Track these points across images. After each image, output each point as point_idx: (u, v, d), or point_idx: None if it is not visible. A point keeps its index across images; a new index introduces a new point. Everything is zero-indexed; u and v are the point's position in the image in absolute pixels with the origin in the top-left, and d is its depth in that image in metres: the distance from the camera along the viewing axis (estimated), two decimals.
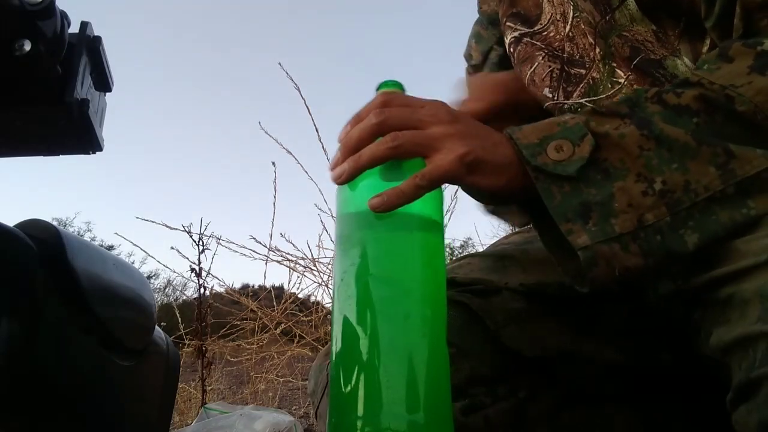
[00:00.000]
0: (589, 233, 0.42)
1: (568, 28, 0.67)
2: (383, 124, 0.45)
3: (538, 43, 0.71)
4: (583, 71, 0.66)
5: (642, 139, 0.44)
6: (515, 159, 0.46)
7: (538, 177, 0.44)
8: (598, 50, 0.63)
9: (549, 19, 0.69)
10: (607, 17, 0.62)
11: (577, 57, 0.66)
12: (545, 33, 0.70)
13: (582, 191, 0.43)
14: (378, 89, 0.51)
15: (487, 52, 0.85)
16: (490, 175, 0.45)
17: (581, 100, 0.66)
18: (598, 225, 0.42)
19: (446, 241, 0.49)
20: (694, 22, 0.57)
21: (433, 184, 0.44)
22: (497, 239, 0.76)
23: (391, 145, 0.44)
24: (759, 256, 0.39)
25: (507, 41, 0.77)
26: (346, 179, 0.46)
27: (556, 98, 0.69)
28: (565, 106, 0.68)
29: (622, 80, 0.62)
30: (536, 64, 0.71)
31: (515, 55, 0.75)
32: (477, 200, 0.48)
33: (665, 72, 0.59)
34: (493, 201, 0.47)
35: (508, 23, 0.76)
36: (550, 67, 0.69)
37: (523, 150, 0.45)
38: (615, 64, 0.62)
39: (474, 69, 0.88)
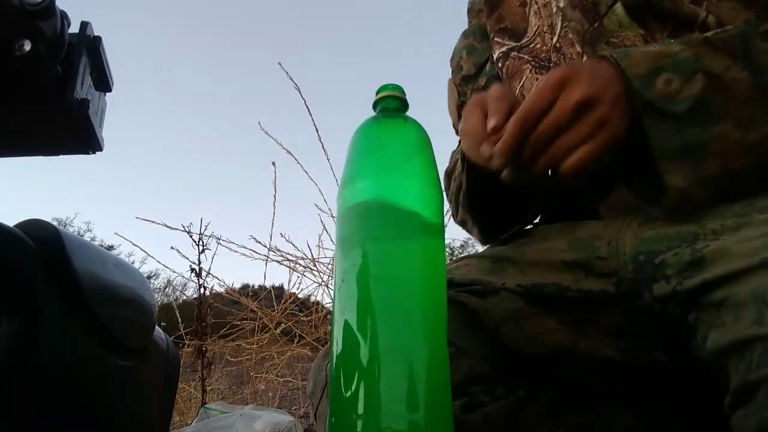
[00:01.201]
0: (683, 175, 0.45)
1: (555, 38, 0.67)
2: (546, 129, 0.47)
3: (525, 56, 0.71)
4: None
5: (752, 87, 0.45)
6: (620, 91, 0.46)
7: (645, 110, 0.45)
8: (585, 59, 0.64)
9: (535, 32, 0.70)
10: (596, 24, 0.62)
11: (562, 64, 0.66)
12: (531, 45, 0.71)
13: (684, 131, 0.45)
14: (378, 92, 0.51)
15: (482, 64, 0.85)
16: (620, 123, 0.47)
17: None
18: (692, 167, 0.45)
19: (446, 241, 0.49)
20: (680, 25, 0.58)
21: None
22: None
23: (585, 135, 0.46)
24: (752, 258, 0.39)
25: (495, 56, 0.78)
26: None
27: None
28: None
29: None
30: (524, 78, 0.72)
31: (503, 70, 0.76)
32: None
33: None
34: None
35: (495, 38, 0.77)
36: (537, 79, 0.70)
37: (634, 81, 0.46)
38: None
39: (464, 80, 0.88)
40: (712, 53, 0.47)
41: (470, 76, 0.86)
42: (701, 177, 0.45)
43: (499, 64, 0.77)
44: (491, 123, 0.50)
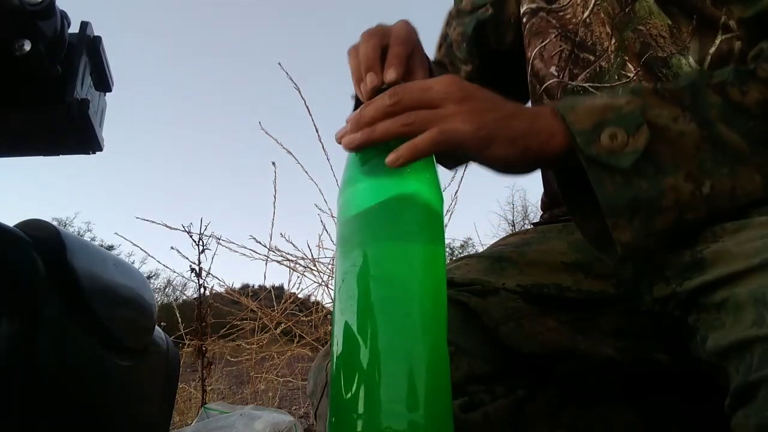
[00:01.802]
0: (633, 230, 0.44)
1: (586, 14, 0.67)
2: (397, 104, 0.46)
3: (553, 21, 0.71)
4: (592, 57, 0.65)
5: (701, 140, 0.44)
6: (527, 131, 0.46)
7: (590, 167, 0.44)
8: (613, 41, 0.63)
9: (569, 2, 0.69)
10: (627, 9, 0.62)
11: (589, 44, 0.66)
12: (562, 13, 0.70)
13: (633, 185, 0.44)
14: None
15: (479, 7, 0.81)
16: (503, 148, 0.45)
17: (585, 84, 0.66)
18: (642, 222, 0.44)
19: (446, 241, 0.49)
20: (704, 22, 0.57)
21: (448, 144, 0.45)
22: (496, 240, 0.76)
23: (405, 122, 0.45)
24: (752, 260, 0.39)
25: (522, 10, 0.77)
26: (357, 147, 0.47)
27: (561, 77, 0.69)
28: (569, 86, 0.68)
29: (631, 74, 0.62)
30: (548, 40, 0.71)
31: (527, 26, 0.75)
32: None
33: (669, 71, 0.59)
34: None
35: None
36: (560, 46, 0.69)
37: (577, 137, 0.45)
38: (627, 58, 0.62)
39: (458, 13, 0.84)
40: (660, 104, 0.46)
41: (464, 12, 0.84)
42: (653, 230, 0.44)
43: (524, 19, 0.76)
44: (390, 74, 0.51)
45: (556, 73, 0.69)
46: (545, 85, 0.71)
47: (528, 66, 0.75)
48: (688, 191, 0.44)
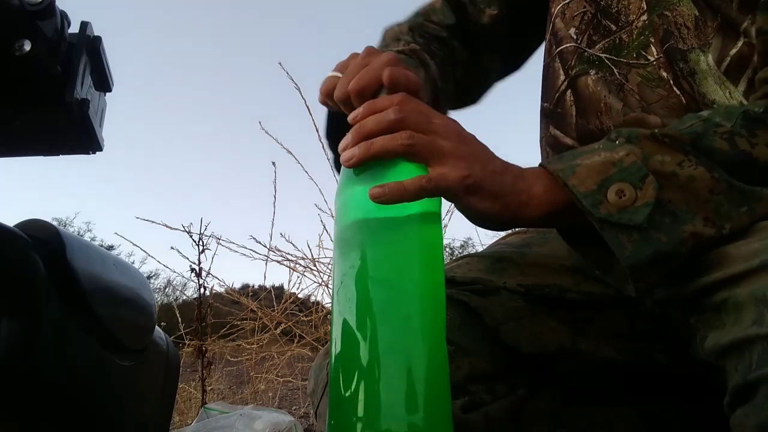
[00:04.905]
0: (653, 278, 0.43)
1: None
2: (401, 121, 0.46)
3: None
4: (613, 27, 0.64)
5: (713, 182, 0.43)
6: (510, 189, 0.46)
7: (603, 228, 0.43)
8: (643, 18, 0.62)
9: None
10: None
11: (613, 11, 0.64)
12: None
13: (652, 239, 0.42)
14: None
15: None
16: (485, 200, 0.45)
17: (602, 54, 0.64)
18: (661, 270, 0.43)
19: (446, 241, 0.49)
20: (727, 23, 0.57)
21: (436, 191, 0.45)
22: (496, 239, 0.76)
23: (405, 143, 0.45)
24: (751, 261, 0.39)
25: None
26: (355, 163, 0.47)
27: (579, 42, 0.67)
28: (585, 53, 0.66)
29: (652, 58, 0.61)
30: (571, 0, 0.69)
31: None
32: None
33: (686, 66, 0.58)
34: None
35: None
36: (584, 7, 0.67)
37: (583, 200, 0.43)
38: (653, 40, 0.61)
39: None
40: (660, 149, 0.44)
41: None
42: (669, 271, 0.44)
43: None
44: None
45: (574, 36, 0.68)
46: (561, 48, 0.69)
47: (549, 23, 0.73)
48: (709, 236, 0.42)
